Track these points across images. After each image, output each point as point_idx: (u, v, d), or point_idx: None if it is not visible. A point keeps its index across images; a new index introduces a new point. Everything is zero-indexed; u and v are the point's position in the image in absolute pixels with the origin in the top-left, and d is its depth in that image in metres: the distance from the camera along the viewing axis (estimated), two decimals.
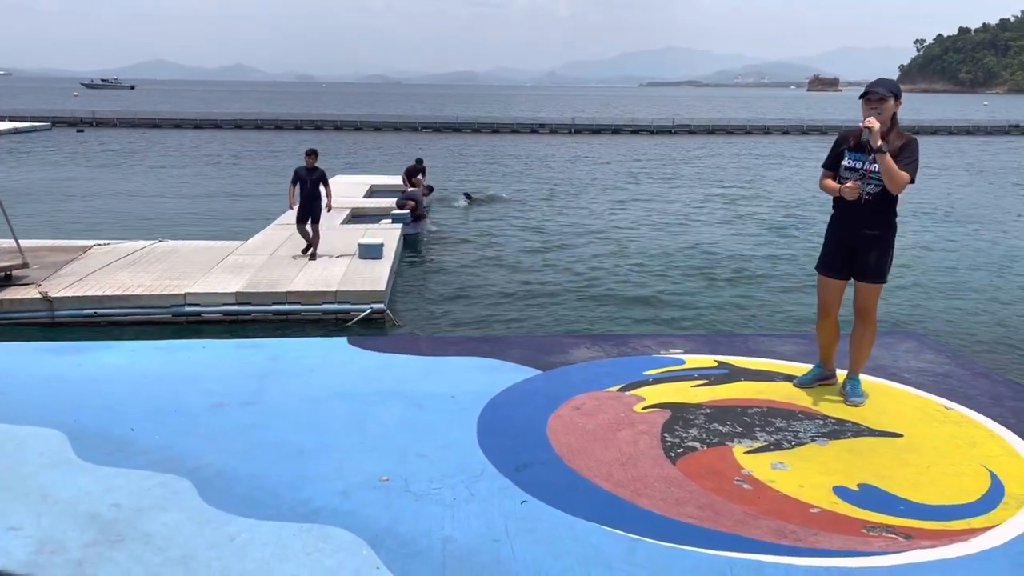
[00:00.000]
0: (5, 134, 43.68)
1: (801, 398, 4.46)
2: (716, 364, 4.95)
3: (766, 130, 57.39)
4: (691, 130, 56.43)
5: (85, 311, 10.23)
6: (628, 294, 12.67)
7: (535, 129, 55.13)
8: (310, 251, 12.63)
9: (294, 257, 12.56)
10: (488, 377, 4.64)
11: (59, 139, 42.61)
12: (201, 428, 3.88)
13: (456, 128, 54.97)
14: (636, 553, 2.86)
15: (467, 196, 20.61)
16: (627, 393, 4.42)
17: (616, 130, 56.08)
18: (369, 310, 10.44)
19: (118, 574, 2.70)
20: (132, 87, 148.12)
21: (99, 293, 10.42)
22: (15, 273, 10.90)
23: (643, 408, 4.21)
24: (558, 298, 12.35)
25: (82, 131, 47.92)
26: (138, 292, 10.49)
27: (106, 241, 13.88)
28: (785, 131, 57.16)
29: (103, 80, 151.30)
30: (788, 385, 4.63)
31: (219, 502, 3.17)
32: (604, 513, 3.12)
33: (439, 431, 3.86)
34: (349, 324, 10.22)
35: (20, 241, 11.23)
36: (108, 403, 4.17)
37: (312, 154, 12.73)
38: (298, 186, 12.50)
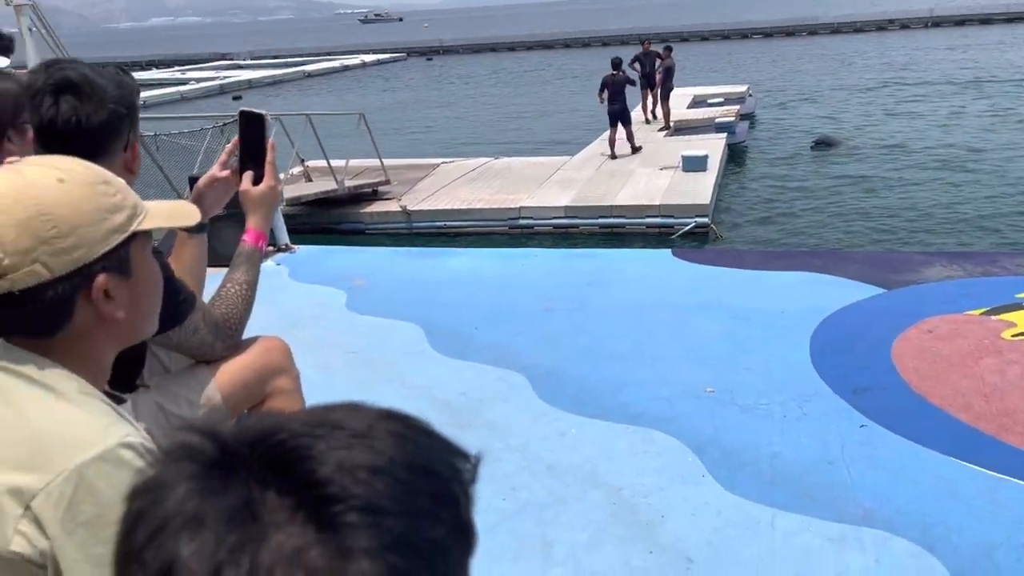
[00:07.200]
0: (371, 65, 49.45)
1: None
2: None
3: None
4: None
5: (436, 223, 11.39)
6: (992, 207, 10.99)
7: (882, 26, 49.07)
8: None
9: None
10: (821, 293, 4.32)
11: (413, 67, 47.21)
12: (533, 330, 4.12)
13: (788, 32, 50.83)
14: (1000, 493, 2.51)
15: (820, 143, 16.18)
16: (993, 318, 3.85)
17: (986, 20, 47.74)
18: (693, 223, 10.28)
19: None
20: (400, 19, 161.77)
21: (447, 207, 11.52)
22: (380, 189, 12.43)
23: (1013, 335, 3.64)
24: (903, 210, 11.09)
25: (431, 59, 52.60)
26: (479, 206, 11.41)
27: (451, 159, 15.19)
28: None
29: (376, 15, 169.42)
30: None
31: (550, 398, 3.37)
32: (960, 447, 2.78)
33: (767, 346, 3.70)
34: (673, 237, 10.17)
35: (383, 160, 12.73)
36: (455, 303, 4.59)
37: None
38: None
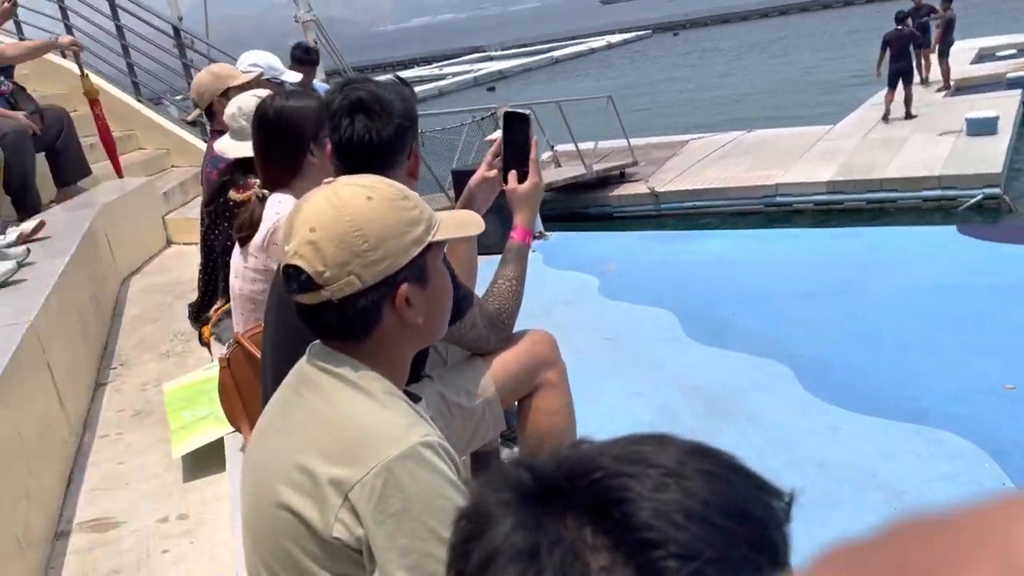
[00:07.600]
0: (617, 46, 49.50)
1: None
2: None
3: None
4: None
5: (685, 204, 11.14)
6: None
7: None
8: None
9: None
10: None
11: (659, 44, 46.55)
12: (797, 316, 3.90)
13: None
14: None
15: None
16: None
17: None
18: (981, 195, 9.13)
19: (727, 448, 2.91)
20: None
21: (697, 187, 11.22)
22: (627, 171, 12.40)
23: None
24: None
25: (677, 34, 51.61)
26: (731, 184, 10.99)
27: (700, 135, 14.76)
28: None
29: None
30: None
31: (817, 390, 3.17)
32: None
33: None
34: (957, 211, 9.11)
35: (630, 140, 12.68)
36: (709, 288, 4.47)
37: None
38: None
